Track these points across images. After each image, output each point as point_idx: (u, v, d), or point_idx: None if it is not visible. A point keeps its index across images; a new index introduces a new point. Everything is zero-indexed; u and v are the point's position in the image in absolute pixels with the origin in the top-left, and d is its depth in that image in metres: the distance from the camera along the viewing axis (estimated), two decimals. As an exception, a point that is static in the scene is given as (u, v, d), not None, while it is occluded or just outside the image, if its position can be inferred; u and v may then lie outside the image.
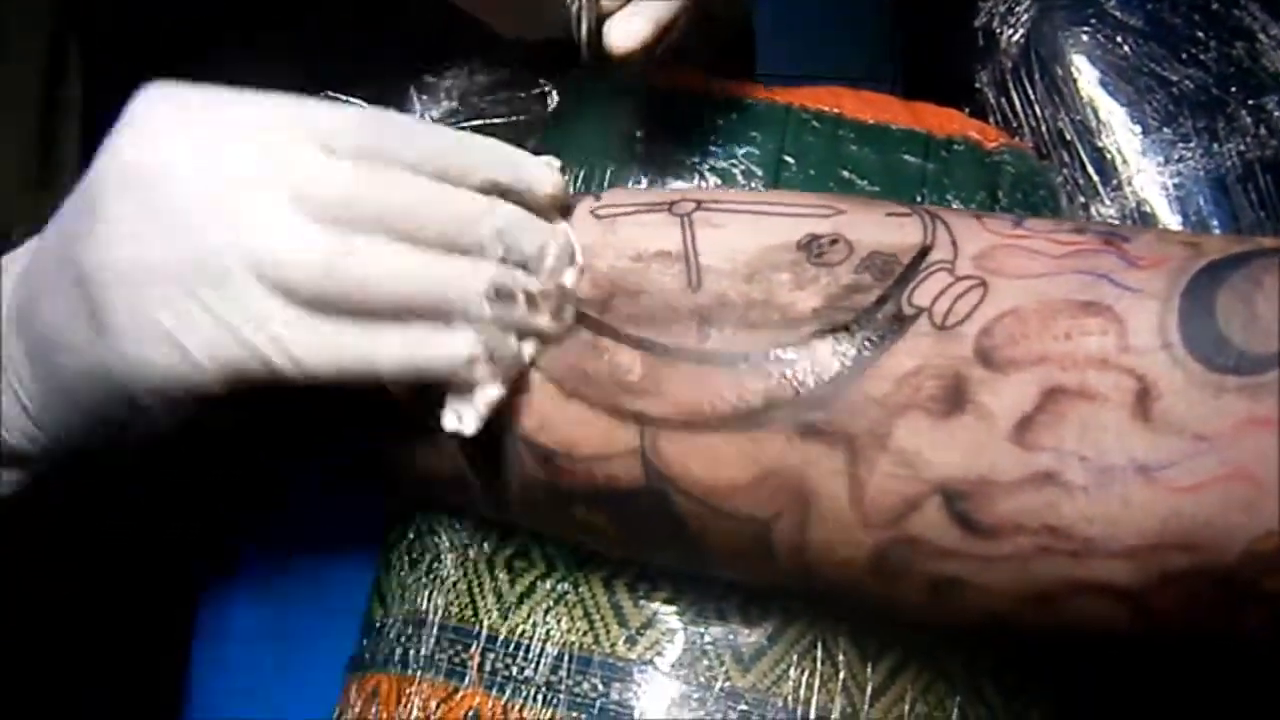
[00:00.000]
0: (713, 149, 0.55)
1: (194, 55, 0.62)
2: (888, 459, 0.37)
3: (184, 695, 0.69)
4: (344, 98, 0.56)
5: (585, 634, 0.48)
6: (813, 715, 0.46)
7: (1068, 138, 0.57)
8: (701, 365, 0.40)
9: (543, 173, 0.42)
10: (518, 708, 0.48)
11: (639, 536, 0.44)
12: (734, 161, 0.55)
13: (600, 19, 0.43)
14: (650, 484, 0.41)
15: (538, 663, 0.48)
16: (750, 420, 0.39)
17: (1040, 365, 0.36)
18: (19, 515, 0.45)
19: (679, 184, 0.55)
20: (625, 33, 0.43)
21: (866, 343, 0.38)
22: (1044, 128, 0.58)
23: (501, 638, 0.49)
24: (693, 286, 0.41)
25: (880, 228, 0.41)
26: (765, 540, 0.40)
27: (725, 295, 0.41)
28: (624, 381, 0.41)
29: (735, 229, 0.43)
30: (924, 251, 0.40)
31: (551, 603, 0.49)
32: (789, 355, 0.39)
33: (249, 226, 0.36)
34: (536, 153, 0.43)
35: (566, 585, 0.49)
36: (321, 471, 0.62)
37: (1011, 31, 0.59)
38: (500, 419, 0.41)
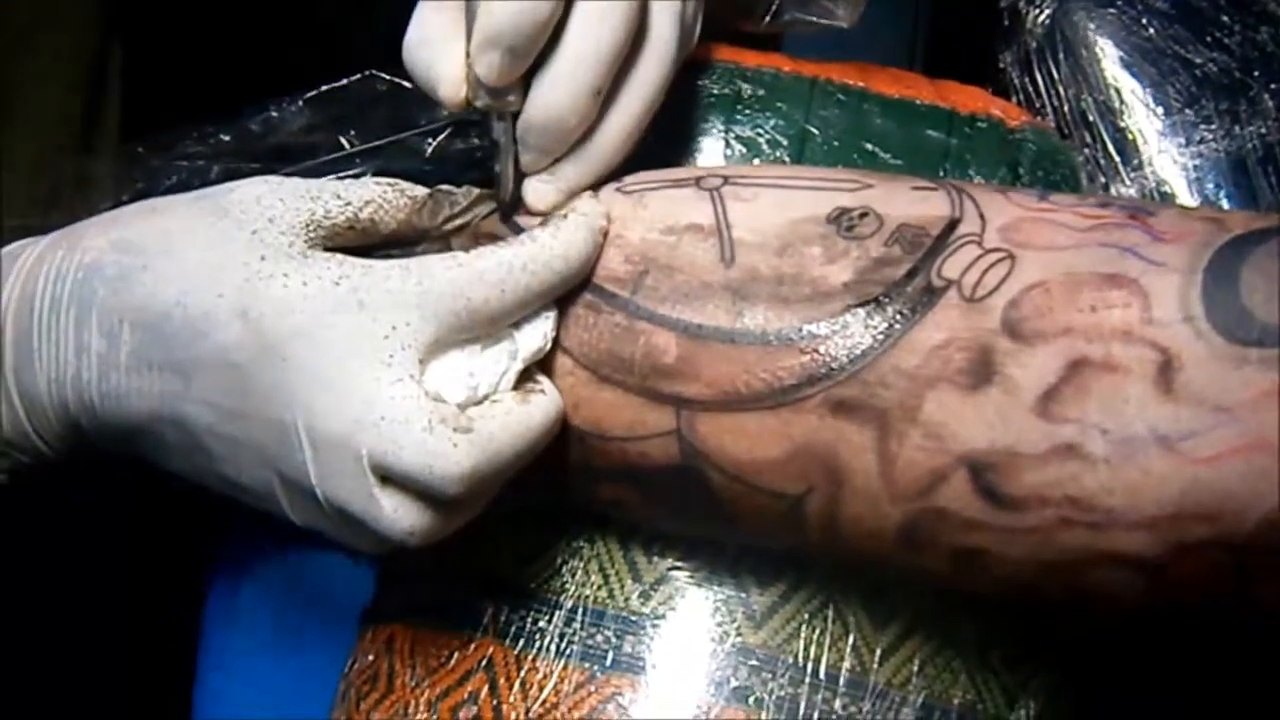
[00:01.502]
0: (739, 118, 0.56)
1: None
2: (917, 432, 0.38)
3: (191, 694, 0.70)
4: (385, 75, 0.57)
5: (600, 588, 0.49)
6: (822, 674, 0.47)
7: (1090, 118, 0.58)
8: (735, 344, 0.40)
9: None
10: (531, 658, 0.48)
11: (668, 509, 0.45)
12: (760, 131, 0.55)
13: (522, 176, 0.46)
14: (685, 461, 0.41)
15: (552, 615, 0.49)
16: (784, 398, 0.39)
17: (1065, 337, 0.37)
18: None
19: (702, 149, 0.56)
20: (538, 195, 0.45)
21: (897, 316, 0.39)
22: (1066, 107, 0.59)
23: (516, 590, 0.50)
24: (726, 261, 0.42)
25: (908, 201, 0.42)
26: (797, 514, 0.41)
27: (757, 269, 0.41)
28: (660, 364, 0.41)
29: (765, 202, 0.43)
30: (952, 224, 0.40)
31: (567, 556, 0.50)
32: (821, 330, 0.39)
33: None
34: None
35: (582, 540, 0.50)
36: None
37: (1037, 12, 0.59)
38: None
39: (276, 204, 0.41)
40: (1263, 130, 0.54)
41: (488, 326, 0.40)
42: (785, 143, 0.55)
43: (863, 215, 0.42)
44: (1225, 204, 0.55)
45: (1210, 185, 0.55)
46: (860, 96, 0.57)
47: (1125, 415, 0.36)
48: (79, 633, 0.66)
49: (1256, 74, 0.55)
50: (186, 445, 0.41)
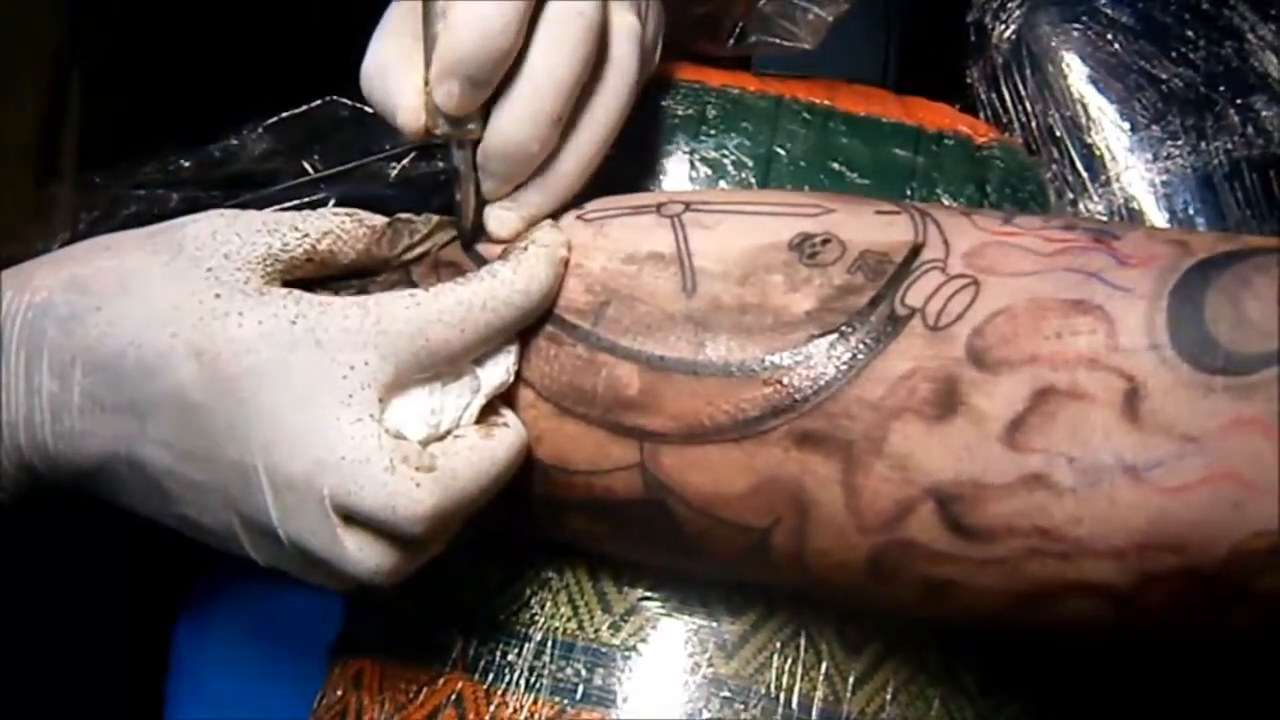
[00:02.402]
0: (704, 139, 0.55)
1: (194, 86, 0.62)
2: (882, 464, 0.37)
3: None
4: (347, 100, 0.56)
5: (569, 620, 0.48)
6: (795, 703, 0.46)
7: (1057, 134, 0.57)
8: (698, 376, 0.40)
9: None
10: (500, 692, 0.48)
11: (634, 541, 0.44)
12: (725, 152, 0.55)
13: (483, 203, 0.45)
14: (649, 494, 0.41)
15: (521, 648, 0.48)
16: (748, 430, 0.39)
17: (1031, 365, 0.36)
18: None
19: (667, 171, 0.55)
20: (500, 223, 0.45)
21: (861, 346, 0.38)
22: (1034, 123, 0.58)
23: (485, 622, 0.49)
24: (687, 290, 0.41)
25: (871, 226, 0.41)
26: (763, 546, 0.40)
27: (719, 299, 0.40)
28: (622, 397, 0.40)
29: (726, 229, 0.43)
30: (916, 250, 0.40)
31: (535, 588, 0.49)
32: (784, 361, 0.39)
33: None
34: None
35: (551, 571, 0.50)
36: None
37: (1003, 27, 0.59)
38: None
39: (233, 239, 0.40)
40: (1229, 146, 0.54)
41: (448, 364, 0.40)
42: (751, 163, 0.55)
43: (825, 241, 0.41)
44: (1194, 220, 0.54)
45: (1178, 201, 0.55)
46: (826, 115, 0.56)
47: (1092, 444, 0.35)
48: (49, 661, 0.66)
49: (1222, 89, 0.55)
50: (144, 486, 0.40)
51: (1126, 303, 0.36)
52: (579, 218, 0.45)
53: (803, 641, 0.47)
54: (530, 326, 0.42)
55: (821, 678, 0.47)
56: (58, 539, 0.63)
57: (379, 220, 0.44)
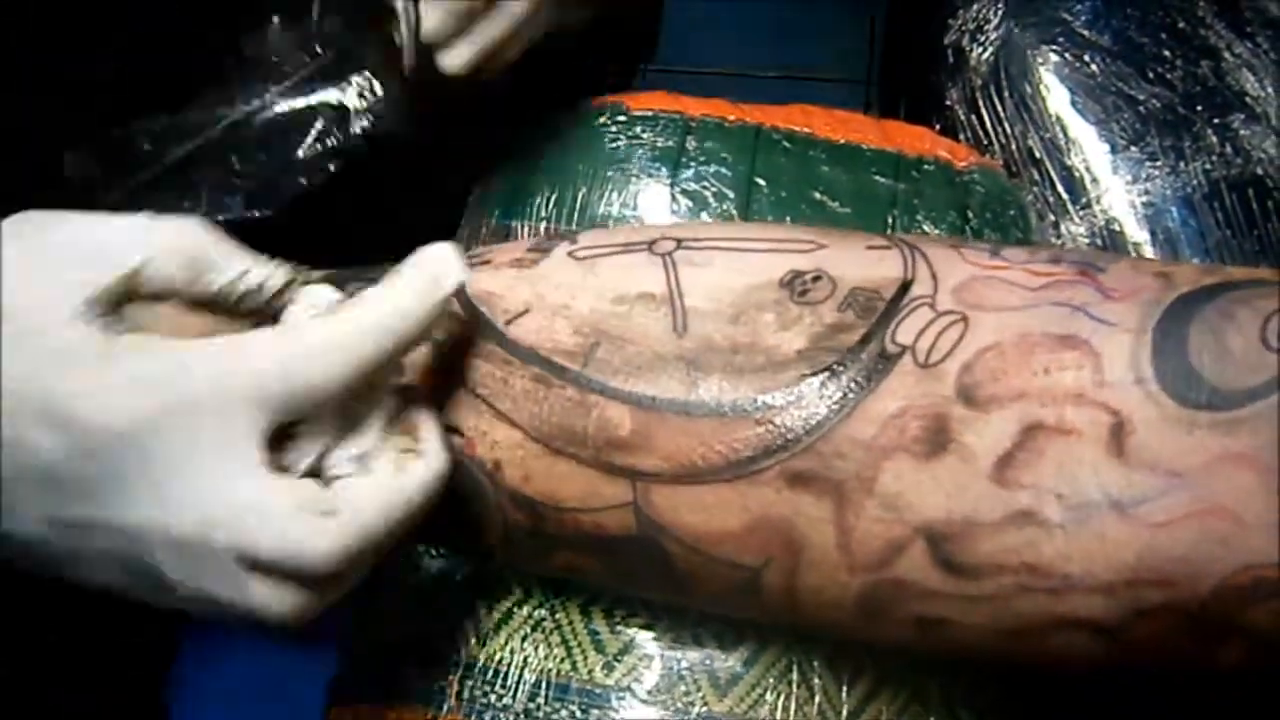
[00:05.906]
0: (684, 171, 0.55)
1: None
2: (873, 503, 0.37)
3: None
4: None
5: (562, 660, 0.48)
6: (790, 739, 0.46)
7: (1037, 156, 0.58)
8: (691, 417, 0.39)
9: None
10: (497, 735, 0.48)
11: (625, 577, 0.44)
12: (706, 183, 0.55)
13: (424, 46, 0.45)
14: (642, 532, 0.41)
15: (516, 690, 0.48)
16: (741, 470, 0.39)
17: (1019, 401, 0.36)
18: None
19: (648, 204, 0.55)
20: (453, 58, 0.45)
21: (852, 385, 0.38)
22: (1014, 145, 0.58)
23: (479, 665, 0.49)
24: (678, 331, 0.41)
25: (861, 262, 0.41)
26: (755, 584, 0.40)
27: (711, 339, 0.40)
28: (614, 438, 0.40)
29: (718, 268, 0.43)
30: (905, 286, 0.40)
31: (529, 630, 0.49)
32: (776, 401, 0.39)
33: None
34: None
35: (543, 612, 0.49)
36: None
37: (981, 49, 0.59)
38: (483, 473, 0.42)
39: (49, 290, 0.36)
40: (1208, 166, 0.54)
41: (331, 398, 0.37)
42: (732, 195, 0.55)
43: (816, 278, 0.41)
44: (1175, 240, 0.55)
45: (1159, 222, 0.55)
46: (806, 143, 0.57)
47: (1080, 480, 0.35)
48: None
49: (1199, 109, 0.55)
50: (29, 557, 0.38)
51: (1112, 337, 0.36)
52: (570, 254, 0.45)
53: (795, 677, 0.47)
54: (518, 369, 0.42)
55: (815, 713, 0.47)
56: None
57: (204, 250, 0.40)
